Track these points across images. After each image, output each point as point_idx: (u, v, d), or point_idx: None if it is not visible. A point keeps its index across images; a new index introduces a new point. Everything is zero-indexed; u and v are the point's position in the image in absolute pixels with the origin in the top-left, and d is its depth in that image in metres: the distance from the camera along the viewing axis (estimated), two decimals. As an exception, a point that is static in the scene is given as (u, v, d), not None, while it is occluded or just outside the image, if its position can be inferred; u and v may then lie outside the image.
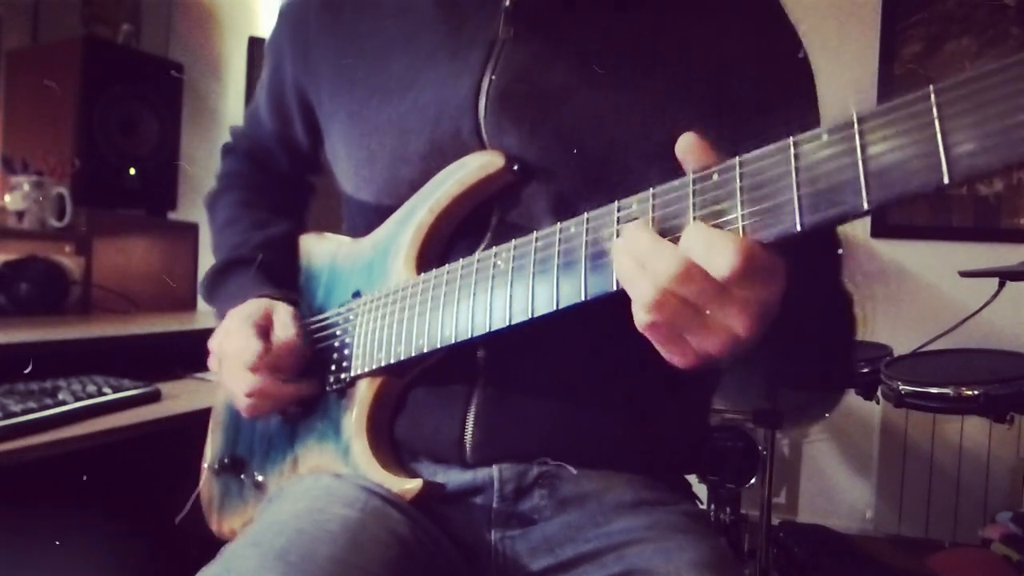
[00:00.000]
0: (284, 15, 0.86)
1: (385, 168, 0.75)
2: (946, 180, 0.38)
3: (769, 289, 0.47)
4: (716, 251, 0.46)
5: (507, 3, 0.71)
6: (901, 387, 1.62)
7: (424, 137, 0.71)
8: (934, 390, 1.57)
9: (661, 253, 0.47)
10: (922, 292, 2.52)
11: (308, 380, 0.77)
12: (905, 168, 0.40)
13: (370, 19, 0.78)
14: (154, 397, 1.20)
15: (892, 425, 2.50)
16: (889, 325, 2.46)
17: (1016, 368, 1.60)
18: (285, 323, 0.76)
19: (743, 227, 0.46)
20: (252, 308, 0.77)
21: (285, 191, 0.98)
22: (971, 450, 2.40)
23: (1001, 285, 1.69)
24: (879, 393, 1.78)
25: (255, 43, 2.49)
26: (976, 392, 1.51)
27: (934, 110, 0.39)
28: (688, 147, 0.50)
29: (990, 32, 2.46)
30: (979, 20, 2.47)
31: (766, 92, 0.70)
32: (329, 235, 0.88)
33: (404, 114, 0.73)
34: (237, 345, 0.75)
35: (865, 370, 1.82)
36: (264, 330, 0.76)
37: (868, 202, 0.41)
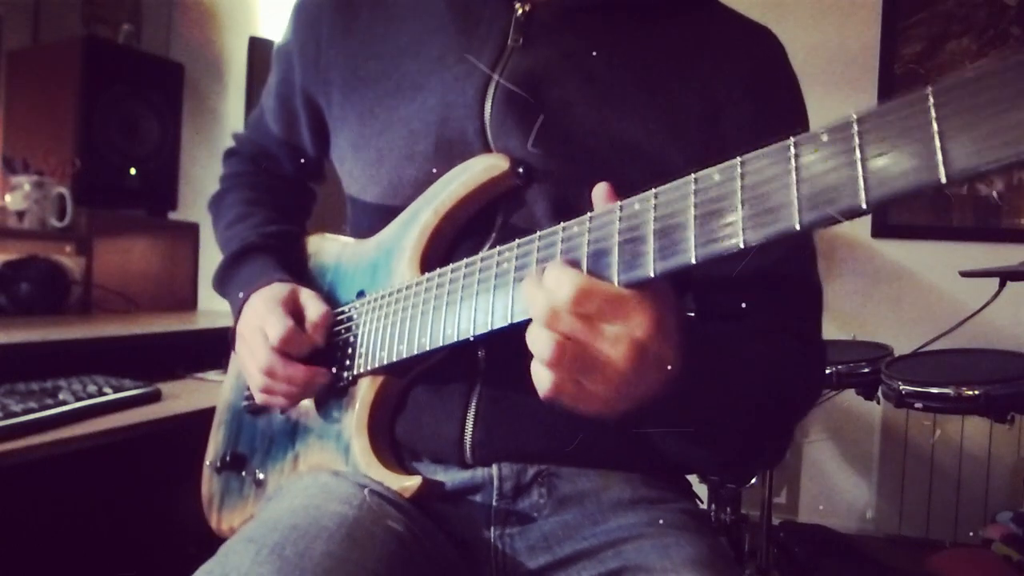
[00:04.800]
0: (297, 20, 0.86)
1: (391, 169, 0.75)
2: (943, 180, 0.39)
3: (634, 321, 0.51)
4: (558, 284, 0.51)
5: (519, 13, 0.72)
6: (902, 387, 1.62)
7: (431, 138, 0.72)
8: (934, 390, 1.57)
9: (535, 298, 0.53)
10: (922, 292, 2.52)
11: (321, 368, 0.77)
12: (902, 167, 0.40)
13: (385, 22, 0.79)
14: (154, 397, 1.20)
15: (892, 425, 2.50)
16: (889, 325, 2.46)
17: (1016, 368, 1.60)
18: (317, 306, 0.76)
19: (743, 228, 0.46)
20: (279, 289, 0.77)
21: (288, 195, 0.98)
22: (971, 450, 2.40)
23: (1001, 285, 1.69)
24: (879, 393, 1.78)
25: (255, 43, 2.49)
26: (976, 392, 1.51)
27: (932, 111, 0.39)
28: (601, 195, 0.55)
29: (990, 32, 2.46)
30: (979, 20, 2.47)
31: (754, 140, 0.70)
32: (332, 236, 0.88)
33: (412, 115, 0.73)
34: (265, 322, 0.74)
35: (865, 370, 1.82)
36: (293, 311, 0.75)
37: (866, 201, 0.41)
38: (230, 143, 1.02)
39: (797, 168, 0.44)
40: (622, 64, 0.72)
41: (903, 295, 2.54)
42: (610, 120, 0.70)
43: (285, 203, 0.96)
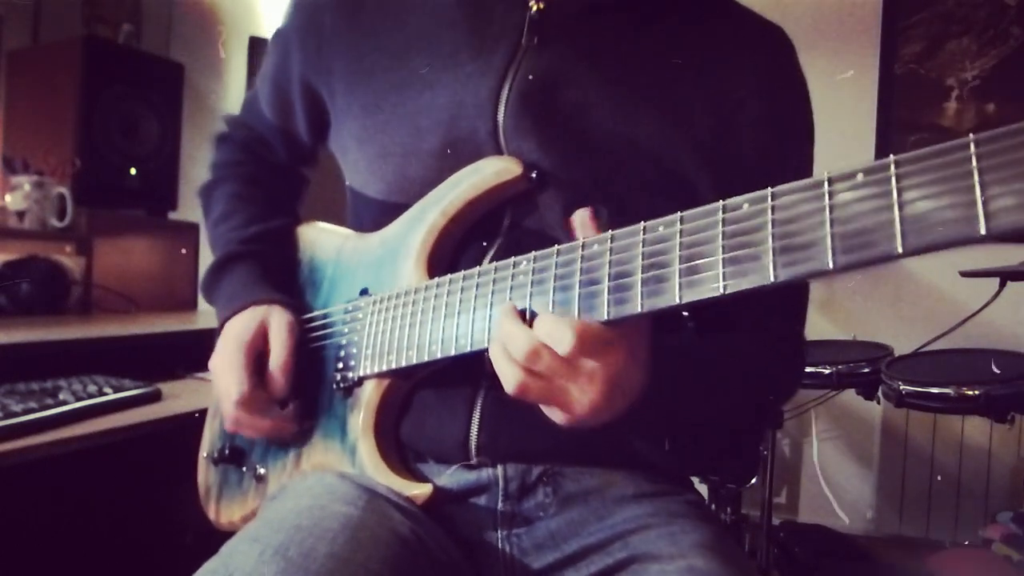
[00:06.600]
0: (298, 7, 0.85)
1: (397, 165, 0.74)
2: (982, 232, 0.38)
3: (608, 360, 0.54)
4: (559, 333, 0.53)
5: (533, 11, 0.71)
6: (902, 387, 1.62)
7: (439, 136, 0.71)
8: (935, 390, 1.57)
9: (516, 336, 0.56)
10: (922, 292, 2.51)
11: (292, 412, 0.78)
12: (941, 218, 0.39)
13: (393, 14, 0.77)
14: (154, 397, 1.20)
15: (893, 425, 2.50)
16: (889, 325, 2.46)
17: (1016, 368, 1.60)
18: (280, 352, 0.75)
19: (773, 264, 0.45)
20: (247, 323, 0.77)
21: (280, 183, 0.96)
22: (971, 450, 2.40)
23: (1001, 285, 1.69)
24: (880, 393, 1.78)
25: (255, 43, 2.49)
26: (976, 392, 1.51)
27: (973, 161, 0.38)
28: (581, 222, 0.57)
29: (990, 32, 2.46)
30: (979, 20, 2.46)
31: (765, 139, 0.71)
32: (329, 226, 0.87)
33: (420, 111, 0.72)
34: (225, 377, 0.75)
35: (865, 370, 1.82)
36: (256, 357, 0.75)
37: (903, 248, 0.40)
38: (222, 126, 0.99)
39: (831, 207, 0.43)
40: (637, 66, 0.71)
41: (903, 295, 2.53)
42: (626, 123, 0.69)
43: (275, 192, 0.94)
